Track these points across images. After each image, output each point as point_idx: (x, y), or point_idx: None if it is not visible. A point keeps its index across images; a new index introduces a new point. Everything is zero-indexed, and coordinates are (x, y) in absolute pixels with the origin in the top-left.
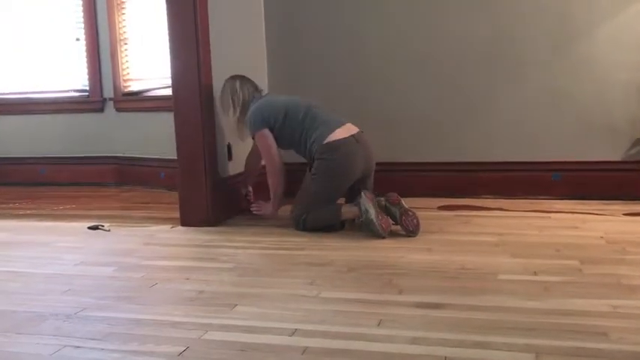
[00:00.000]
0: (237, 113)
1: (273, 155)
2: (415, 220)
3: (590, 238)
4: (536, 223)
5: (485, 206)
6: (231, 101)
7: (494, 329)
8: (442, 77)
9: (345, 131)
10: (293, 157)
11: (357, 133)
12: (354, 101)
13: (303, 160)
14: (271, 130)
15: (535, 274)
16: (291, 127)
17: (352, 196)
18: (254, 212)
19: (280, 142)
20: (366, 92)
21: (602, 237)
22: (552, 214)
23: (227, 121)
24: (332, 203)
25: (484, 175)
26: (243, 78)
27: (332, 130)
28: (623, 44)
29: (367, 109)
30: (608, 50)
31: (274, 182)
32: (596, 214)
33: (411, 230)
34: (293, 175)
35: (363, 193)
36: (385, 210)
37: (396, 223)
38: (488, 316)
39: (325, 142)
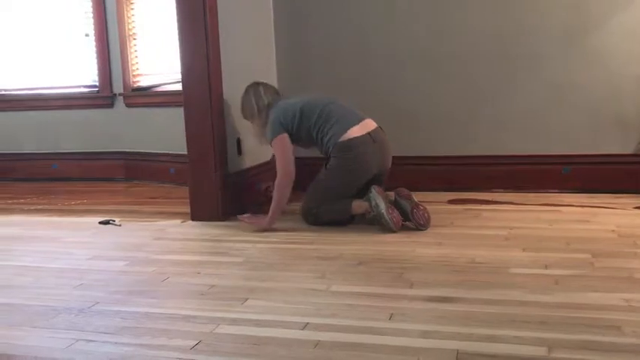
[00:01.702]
0: (263, 118)
1: (288, 163)
2: (426, 214)
3: (601, 231)
4: (547, 216)
5: (495, 200)
6: (256, 107)
7: (505, 323)
8: (451, 70)
9: (361, 129)
10: (309, 152)
11: (374, 130)
12: (363, 95)
13: (319, 155)
14: (290, 134)
15: (546, 267)
16: (307, 127)
17: (362, 191)
18: (245, 222)
19: (300, 142)
20: (375, 86)
21: (613, 230)
22: (563, 208)
23: (252, 126)
24: (343, 199)
25: (494, 168)
26: (265, 84)
27: (348, 128)
28: (636, 37)
29: (376, 104)
30: (620, 43)
31: (281, 193)
32: (607, 208)
33: (421, 224)
34: (310, 169)
35: (372, 188)
36: (395, 204)
37: (406, 219)
38: (500, 310)
39: (340, 140)
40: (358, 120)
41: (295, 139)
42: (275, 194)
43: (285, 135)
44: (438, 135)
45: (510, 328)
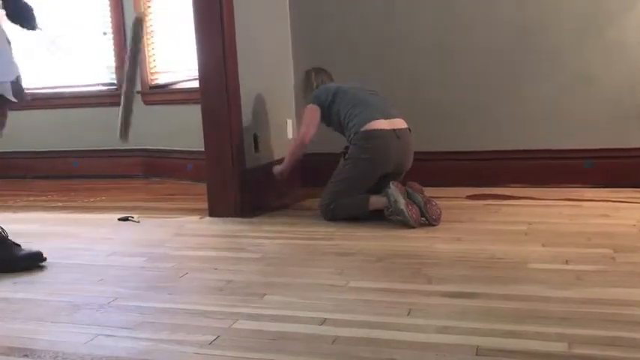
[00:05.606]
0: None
1: (307, 133)
2: (438, 210)
3: (622, 226)
4: (567, 211)
5: (515, 195)
6: (306, 88)
7: (525, 318)
8: (471, 65)
9: (388, 124)
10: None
11: (401, 129)
12: (382, 90)
13: (328, 150)
14: (322, 108)
15: (567, 262)
16: (337, 107)
17: (379, 187)
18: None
19: (329, 122)
20: (395, 81)
21: (635, 225)
22: (583, 203)
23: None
24: (360, 192)
25: (514, 163)
26: (320, 69)
27: (374, 119)
28: None
29: (394, 98)
30: None
31: (291, 158)
32: (629, 202)
33: (434, 219)
34: (331, 166)
35: (391, 183)
36: (410, 197)
37: (421, 215)
38: (520, 306)
39: (363, 129)
40: (388, 116)
41: (326, 120)
42: (286, 157)
43: (318, 108)
44: (457, 130)
45: (531, 324)
